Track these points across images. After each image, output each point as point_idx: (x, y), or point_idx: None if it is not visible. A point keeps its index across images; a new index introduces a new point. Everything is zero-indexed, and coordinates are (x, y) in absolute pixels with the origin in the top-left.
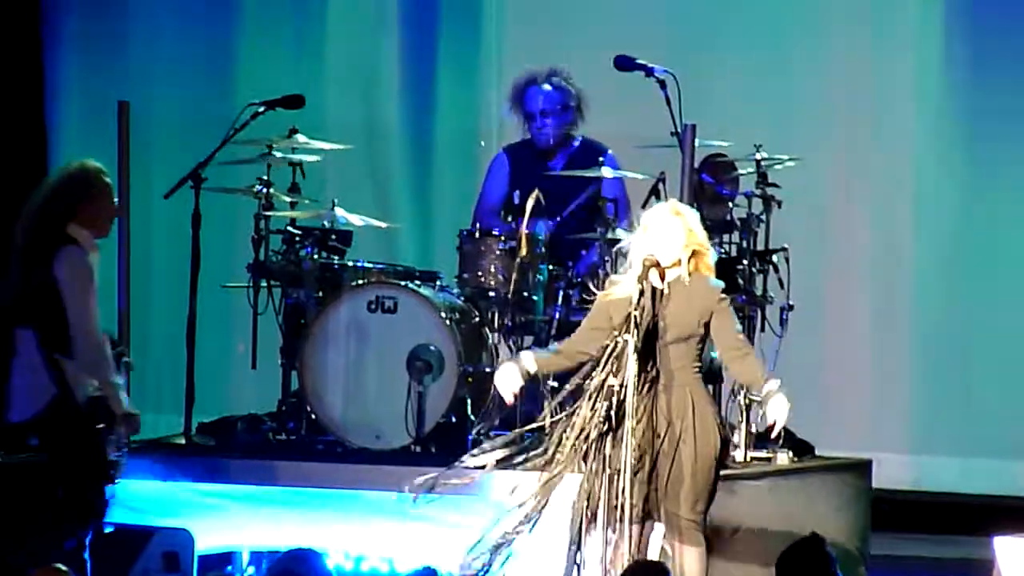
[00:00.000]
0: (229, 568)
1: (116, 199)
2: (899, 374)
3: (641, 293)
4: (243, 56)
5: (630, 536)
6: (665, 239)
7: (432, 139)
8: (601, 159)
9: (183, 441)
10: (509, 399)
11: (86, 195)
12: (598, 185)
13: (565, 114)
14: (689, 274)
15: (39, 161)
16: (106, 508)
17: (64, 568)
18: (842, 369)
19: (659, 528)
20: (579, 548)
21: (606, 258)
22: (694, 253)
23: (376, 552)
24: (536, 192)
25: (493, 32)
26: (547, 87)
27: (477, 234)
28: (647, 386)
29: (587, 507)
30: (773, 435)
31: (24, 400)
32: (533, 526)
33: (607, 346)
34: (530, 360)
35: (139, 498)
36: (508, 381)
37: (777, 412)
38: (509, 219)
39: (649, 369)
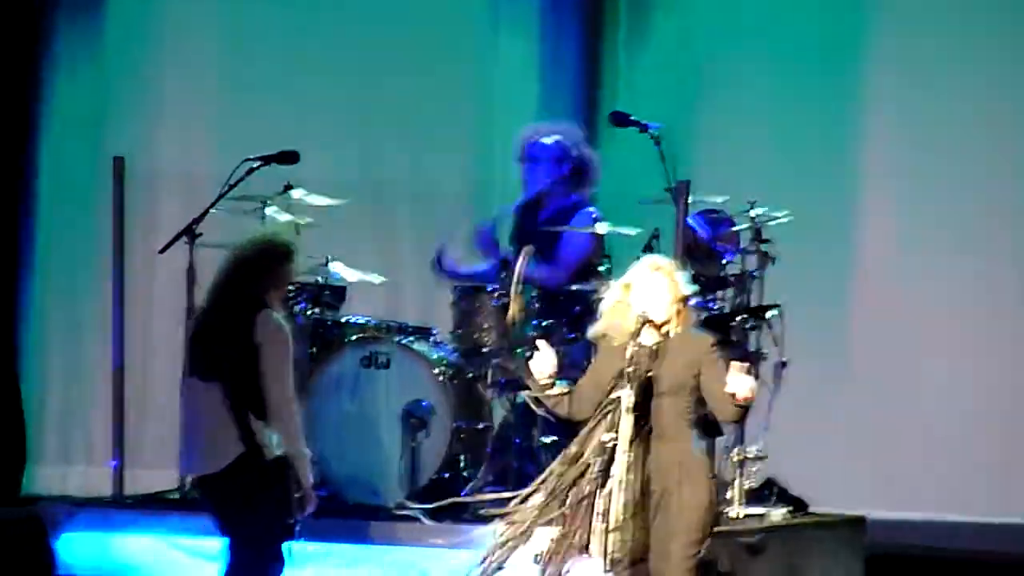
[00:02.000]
0: None
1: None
2: (893, 431)
3: (635, 350)
4: (242, 111)
5: None
6: (654, 297)
7: (431, 194)
8: (592, 217)
9: (177, 496)
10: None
11: (276, 263)
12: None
13: (552, 166)
14: (678, 327)
15: (29, 216)
16: (282, 568)
17: None
18: (837, 425)
19: None
20: None
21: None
22: (681, 306)
23: None
24: (529, 248)
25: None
26: (543, 139)
27: (471, 290)
28: (640, 441)
29: (567, 560)
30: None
31: (211, 454)
32: None
33: (602, 403)
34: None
35: (133, 553)
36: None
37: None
38: (503, 276)
39: (643, 425)
